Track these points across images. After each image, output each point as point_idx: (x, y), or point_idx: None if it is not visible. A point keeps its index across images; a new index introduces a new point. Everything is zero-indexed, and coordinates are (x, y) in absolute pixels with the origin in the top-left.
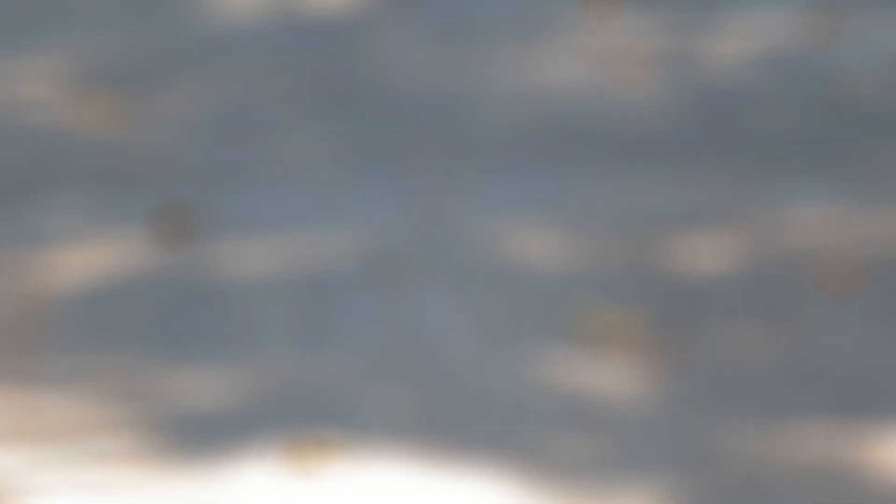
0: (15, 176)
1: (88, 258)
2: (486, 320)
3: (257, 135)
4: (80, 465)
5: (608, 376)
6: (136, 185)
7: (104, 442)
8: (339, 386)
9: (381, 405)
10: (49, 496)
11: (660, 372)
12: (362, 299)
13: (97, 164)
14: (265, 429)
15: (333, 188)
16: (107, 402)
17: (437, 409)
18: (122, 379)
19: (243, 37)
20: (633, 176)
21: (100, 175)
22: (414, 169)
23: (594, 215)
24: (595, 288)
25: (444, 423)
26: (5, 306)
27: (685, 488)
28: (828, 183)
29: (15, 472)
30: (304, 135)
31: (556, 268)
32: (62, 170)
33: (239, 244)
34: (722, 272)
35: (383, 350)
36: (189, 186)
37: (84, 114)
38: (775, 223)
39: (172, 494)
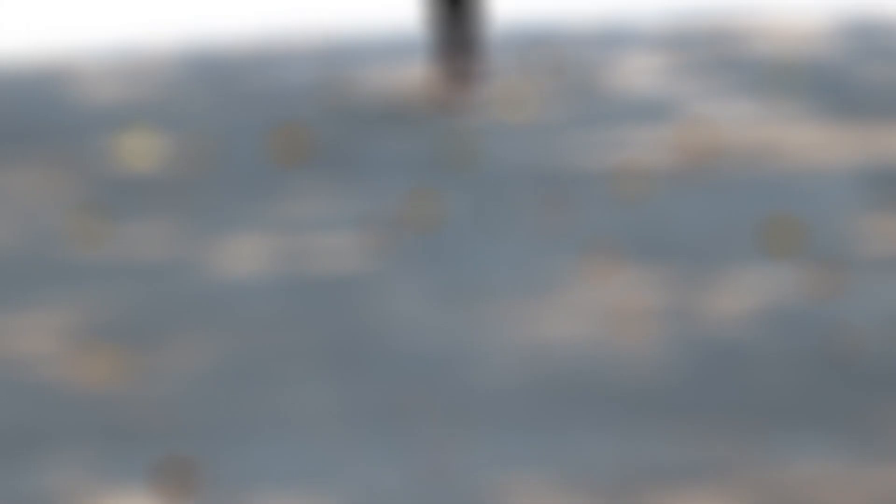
0: (15, 432)
1: None
2: None
3: (258, 389)
4: None
5: None
6: (138, 439)
7: None
8: None
9: None
10: None
11: None
12: None
13: (98, 419)
14: None
15: (334, 444)
16: None
17: None
18: None
19: (244, 291)
20: (634, 431)
21: (101, 430)
22: (414, 425)
23: (594, 471)
24: None
25: None
26: None
27: None
28: (829, 439)
29: None
30: (304, 390)
31: None
32: (63, 425)
33: (239, 499)
34: None
35: None
36: (190, 441)
37: (85, 368)
38: (776, 479)
39: None
